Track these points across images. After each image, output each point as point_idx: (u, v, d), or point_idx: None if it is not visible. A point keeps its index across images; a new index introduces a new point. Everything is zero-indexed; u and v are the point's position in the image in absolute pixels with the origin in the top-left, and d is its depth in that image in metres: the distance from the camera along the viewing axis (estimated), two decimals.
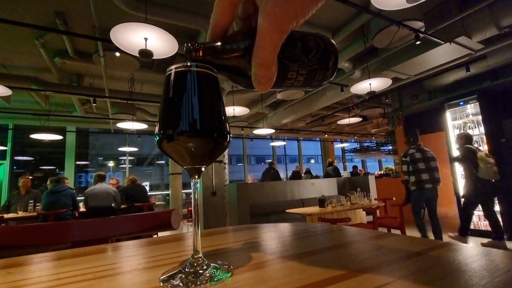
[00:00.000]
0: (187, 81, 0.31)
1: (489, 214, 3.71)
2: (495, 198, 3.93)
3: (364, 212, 4.18)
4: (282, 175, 10.11)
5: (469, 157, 3.71)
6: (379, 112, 7.60)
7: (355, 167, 9.32)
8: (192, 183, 0.35)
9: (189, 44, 0.31)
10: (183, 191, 8.79)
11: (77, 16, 3.64)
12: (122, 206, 4.75)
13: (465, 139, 3.90)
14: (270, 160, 8.39)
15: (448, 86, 5.29)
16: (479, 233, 4.48)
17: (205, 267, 0.32)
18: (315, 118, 8.50)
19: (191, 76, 0.31)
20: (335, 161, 9.16)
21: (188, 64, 0.31)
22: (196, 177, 0.35)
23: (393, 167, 8.13)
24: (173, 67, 0.32)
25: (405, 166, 3.85)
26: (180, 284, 0.29)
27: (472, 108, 4.79)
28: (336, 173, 7.77)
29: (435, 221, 3.66)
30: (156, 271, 0.34)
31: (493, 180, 3.58)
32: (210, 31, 0.32)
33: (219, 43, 0.32)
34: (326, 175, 7.87)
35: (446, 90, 5.37)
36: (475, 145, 3.98)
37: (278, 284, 0.28)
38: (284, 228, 0.63)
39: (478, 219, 4.54)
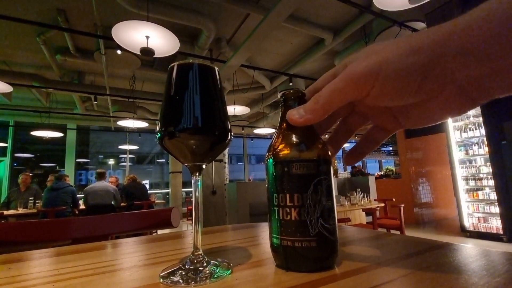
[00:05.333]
0: (189, 78, 0.31)
1: None
2: None
3: (364, 213, 4.17)
4: None
5: None
6: None
7: (354, 167, 9.33)
8: (193, 181, 0.35)
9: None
10: (183, 189, 8.79)
11: (79, 14, 3.64)
12: (122, 204, 4.76)
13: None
14: None
15: None
16: (478, 235, 4.47)
17: (205, 264, 0.32)
18: None
19: (193, 73, 0.31)
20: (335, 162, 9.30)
21: (191, 60, 0.31)
22: (197, 174, 0.35)
23: (393, 168, 8.10)
24: (175, 63, 0.32)
25: None
26: (180, 280, 0.29)
27: (472, 109, 4.77)
28: None
29: None
30: (156, 268, 0.34)
31: None
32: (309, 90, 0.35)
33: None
34: None
35: None
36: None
37: (277, 281, 0.28)
38: None
39: (478, 220, 4.53)
